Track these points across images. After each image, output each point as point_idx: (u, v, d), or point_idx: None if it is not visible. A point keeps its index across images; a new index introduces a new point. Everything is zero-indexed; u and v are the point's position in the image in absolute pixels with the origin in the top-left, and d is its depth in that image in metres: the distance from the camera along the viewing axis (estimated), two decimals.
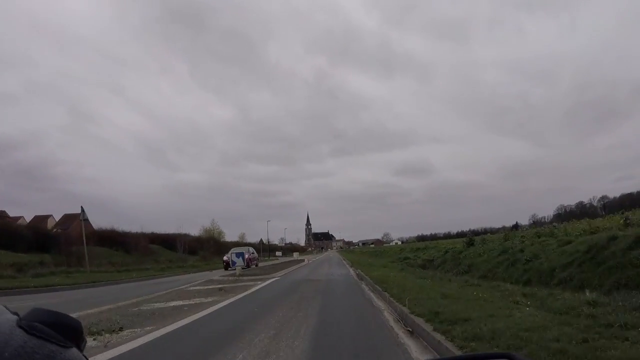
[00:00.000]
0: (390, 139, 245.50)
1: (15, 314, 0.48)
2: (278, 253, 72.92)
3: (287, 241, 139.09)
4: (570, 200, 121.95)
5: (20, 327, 0.45)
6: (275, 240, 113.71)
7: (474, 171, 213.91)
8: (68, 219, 44.33)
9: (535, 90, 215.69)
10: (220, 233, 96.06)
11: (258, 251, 75.64)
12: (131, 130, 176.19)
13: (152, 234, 46.10)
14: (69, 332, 0.49)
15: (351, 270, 21.21)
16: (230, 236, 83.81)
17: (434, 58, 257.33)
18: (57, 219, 48.16)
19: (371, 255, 46.82)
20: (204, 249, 49.65)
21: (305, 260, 39.74)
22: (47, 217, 47.81)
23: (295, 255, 51.76)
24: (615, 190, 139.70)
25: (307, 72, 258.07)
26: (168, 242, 44.48)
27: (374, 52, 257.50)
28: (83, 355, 0.50)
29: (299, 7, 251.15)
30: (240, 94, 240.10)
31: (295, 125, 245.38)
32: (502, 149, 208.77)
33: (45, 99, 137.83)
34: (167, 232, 48.09)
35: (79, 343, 0.50)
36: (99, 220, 43.31)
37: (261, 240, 63.78)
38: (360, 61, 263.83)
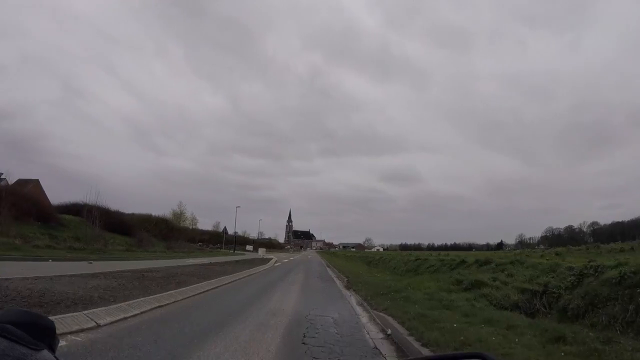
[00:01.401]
0: (379, 143, 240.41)
1: None
2: (248, 247, 63.31)
3: (266, 236, 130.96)
4: (559, 223, 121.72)
5: None
6: (254, 234, 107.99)
7: (461, 184, 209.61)
8: (21, 184, 40.81)
9: (530, 106, 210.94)
10: (192, 219, 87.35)
11: (217, 241, 67.64)
12: (121, 110, 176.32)
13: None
14: (42, 332, 0.49)
15: (363, 314, 8.85)
16: (205, 224, 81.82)
17: (432, 65, 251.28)
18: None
19: (364, 263, 37.59)
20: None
21: (271, 261, 28.52)
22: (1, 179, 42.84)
23: (261, 252, 41.67)
24: (602, 217, 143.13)
25: (302, 68, 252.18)
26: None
27: (372, 54, 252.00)
28: (54, 356, 0.49)
29: (301, 0, 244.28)
30: (233, 84, 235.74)
31: (285, 121, 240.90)
32: (491, 163, 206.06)
33: (37, 72, 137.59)
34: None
35: (52, 343, 0.50)
36: (77, 197, 36.32)
37: (224, 229, 54.00)
38: (357, 62, 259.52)
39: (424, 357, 1.55)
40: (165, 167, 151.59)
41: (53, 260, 15.74)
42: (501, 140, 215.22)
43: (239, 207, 55.17)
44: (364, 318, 8.12)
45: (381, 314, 8.27)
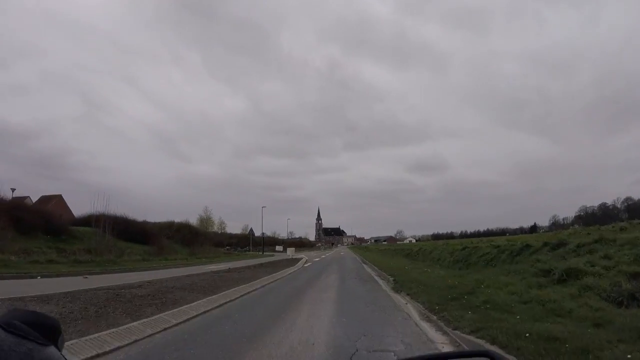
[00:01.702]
0: (403, 132, 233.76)
1: None
2: (278, 247, 60.76)
3: (296, 235, 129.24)
4: (591, 201, 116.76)
5: None
6: (283, 234, 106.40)
7: (489, 168, 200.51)
8: (44, 200, 42.70)
9: (553, 83, 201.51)
10: (220, 223, 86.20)
11: (246, 244, 65.70)
12: (143, 121, 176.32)
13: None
14: (48, 331, 0.50)
15: (441, 338, 5.50)
16: (234, 228, 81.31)
17: (450, 48, 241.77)
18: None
19: (402, 256, 34.03)
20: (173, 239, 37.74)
21: (301, 262, 25.67)
22: (24, 197, 42.98)
23: (289, 252, 38.57)
24: (634, 192, 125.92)
25: (319, 62, 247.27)
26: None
27: (389, 42, 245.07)
28: (61, 354, 0.50)
29: None
30: (251, 84, 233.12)
31: (307, 117, 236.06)
32: (517, 145, 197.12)
33: (59, 90, 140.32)
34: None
35: (58, 343, 0.51)
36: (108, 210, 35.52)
37: (251, 230, 51.66)
38: (374, 51, 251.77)
39: (432, 354, 1.11)
40: (191, 174, 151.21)
41: (42, 277, 13.41)
42: (526, 120, 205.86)
43: (264, 207, 52.74)
44: (448, 348, 4.87)
45: (473, 338, 5.00)
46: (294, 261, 24.40)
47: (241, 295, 8.78)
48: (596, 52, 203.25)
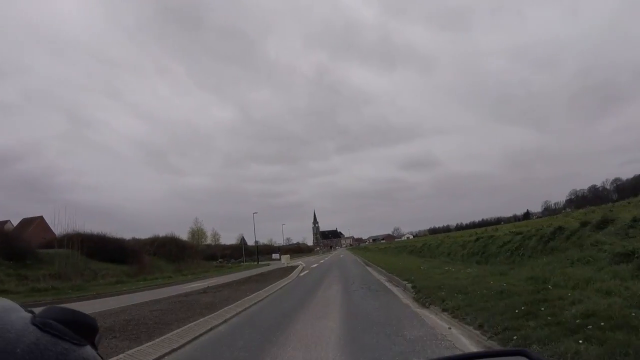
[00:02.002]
0: (394, 133, 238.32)
1: (30, 311, 0.48)
2: (275, 255, 57.46)
3: (294, 241, 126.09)
4: (582, 185, 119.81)
5: (34, 324, 0.44)
6: (280, 241, 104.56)
7: (480, 161, 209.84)
8: (25, 223, 42.20)
9: (539, 76, 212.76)
10: (213, 235, 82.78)
11: (241, 255, 62.61)
12: (131, 135, 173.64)
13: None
14: (85, 330, 0.48)
15: None
16: (229, 239, 77.25)
17: (436, 49, 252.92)
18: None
19: (407, 253, 31.11)
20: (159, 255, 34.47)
21: (296, 270, 21.51)
22: (4, 222, 41.95)
23: (284, 259, 35.03)
24: (624, 173, 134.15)
25: (307, 68, 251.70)
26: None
27: (375, 45, 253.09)
28: (97, 353, 0.49)
29: (297, 0, 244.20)
30: (240, 93, 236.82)
31: (297, 123, 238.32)
32: (507, 137, 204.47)
33: (42, 107, 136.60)
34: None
35: (95, 341, 0.50)
36: (100, 229, 32.66)
37: (242, 239, 48.38)
38: (362, 55, 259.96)
39: (465, 354, 1.24)
40: (183, 186, 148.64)
41: None
42: (514, 113, 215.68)
43: (255, 213, 49.39)
44: None
45: None
46: (289, 270, 21.28)
47: (192, 339, 5.69)
48: (577, 43, 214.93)
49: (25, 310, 0.47)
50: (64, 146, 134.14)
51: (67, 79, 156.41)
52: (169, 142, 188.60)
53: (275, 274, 19.15)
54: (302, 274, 19.11)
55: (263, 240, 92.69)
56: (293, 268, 23.26)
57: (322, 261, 35.07)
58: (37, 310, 0.48)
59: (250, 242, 73.69)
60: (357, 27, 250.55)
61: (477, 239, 20.12)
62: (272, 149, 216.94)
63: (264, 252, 67.72)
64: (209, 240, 79.38)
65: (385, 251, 41.51)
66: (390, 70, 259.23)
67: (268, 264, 39.75)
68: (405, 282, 10.54)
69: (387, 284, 12.19)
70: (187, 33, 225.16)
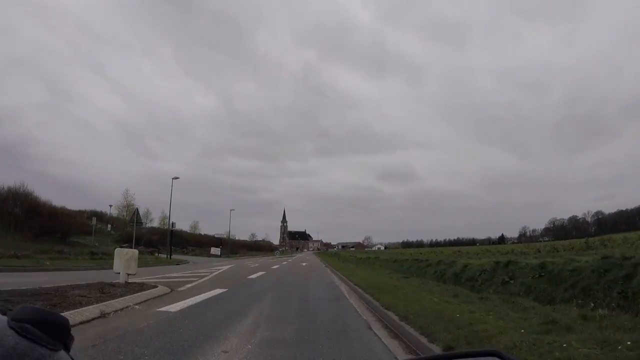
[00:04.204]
0: (375, 141, 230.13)
1: (3, 312, 0.46)
2: (215, 250, 43.53)
3: (259, 238, 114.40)
4: (558, 215, 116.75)
5: (11, 328, 0.43)
6: (245, 237, 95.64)
7: (458, 180, 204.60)
8: None
9: (525, 100, 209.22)
10: (163, 218, 69.26)
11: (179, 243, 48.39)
12: (111, 113, 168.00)
13: None
14: (57, 330, 0.47)
15: None
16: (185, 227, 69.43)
17: (427, 60, 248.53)
18: None
19: (396, 270, 17.74)
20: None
21: (195, 284, 11.42)
22: None
23: (214, 251, 21.99)
24: (597, 208, 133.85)
25: (295, 65, 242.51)
26: None
27: (366, 50, 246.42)
28: (69, 356, 0.48)
29: None
30: (224, 83, 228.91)
31: (279, 121, 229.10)
32: (488, 159, 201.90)
33: (24, 74, 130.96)
34: None
35: (67, 342, 0.49)
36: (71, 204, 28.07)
37: (172, 224, 34.48)
38: (351, 58, 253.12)
39: (438, 354, 1.31)
40: (158, 171, 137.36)
41: None
42: (497, 135, 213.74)
43: (233, 210, 35.41)
44: None
45: None
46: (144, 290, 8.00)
47: None
48: (569, 72, 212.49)
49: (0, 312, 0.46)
50: (43, 116, 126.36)
51: (52, 48, 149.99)
52: (148, 125, 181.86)
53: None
54: (185, 305, 6.00)
55: (234, 234, 78.25)
56: (196, 278, 9.81)
57: (274, 267, 21.63)
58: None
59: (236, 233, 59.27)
60: (350, 30, 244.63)
61: (506, 264, 8.76)
62: (251, 143, 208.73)
63: (207, 244, 53.43)
64: (156, 224, 64.82)
65: (365, 263, 28.33)
66: (379, 77, 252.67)
67: (186, 262, 26.03)
68: None
69: None
70: (177, 14, 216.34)
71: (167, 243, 48.06)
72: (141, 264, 22.39)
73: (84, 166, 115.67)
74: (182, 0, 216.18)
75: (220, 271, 16.92)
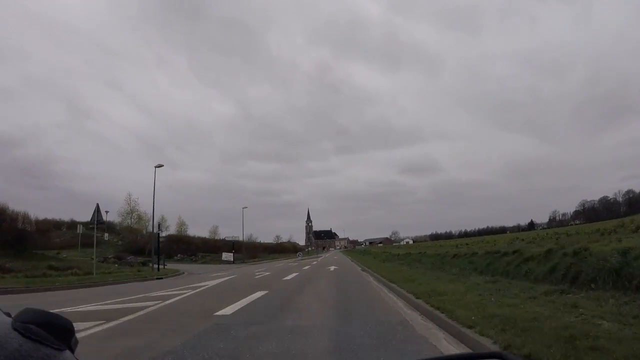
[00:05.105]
0: (394, 135, 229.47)
1: (8, 314, 0.47)
2: (226, 255, 37.33)
3: (284, 239, 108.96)
4: (589, 197, 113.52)
5: (15, 329, 0.43)
6: (269, 239, 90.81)
7: (481, 169, 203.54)
8: None
9: (545, 83, 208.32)
10: (180, 224, 65.14)
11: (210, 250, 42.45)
12: (129, 126, 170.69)
13: None
14: (61, 332, 0.48)
15: None
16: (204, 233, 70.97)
17: (442, 49, 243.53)
18: None
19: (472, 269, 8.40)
20: None
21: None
22: None
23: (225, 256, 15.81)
24: (629, 186, 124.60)
25: (309, 65, 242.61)
26: None
27: (380, 43, 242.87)
28: (74, 357, 0.49)
29: None
30: (239, 88, 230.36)
31: (296, 122, 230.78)
32: (509, 146, 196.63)
33: (42, 94, 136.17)
34: None
35: (71, 343, 0.49)
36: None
37: (159, 227, 28.37)
38: (365, 53, 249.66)
39: (443, 356, 1.32)
40: (179, 181, 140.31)
41: None
42: (518, 121, 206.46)
43: (245, 207, 29.50)
44: None
45: None
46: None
47: None
48: (588, 51, 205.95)
49: (4, 313, 0.46)
50: (63, 134, 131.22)
51: (67, 67, 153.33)
52: (167, 136, 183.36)
53: None
54: None
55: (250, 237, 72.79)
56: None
57: (289, 277, 14.61)
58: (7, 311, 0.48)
59: (241, 237, 53.38)
60: (362, 24, 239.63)
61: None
62: (270, 147, 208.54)
63: (224, 249, 47.16)
64: (172, 231, 59.70)
65: (415, 261, 21.14)
66: (394, 70, 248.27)
67: (161, 277, 19.62)
68: None
69: None
70: (188, 24, 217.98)
71: (174, 250, 42.22)
72: (108, 279, 16.48)
73: (105, 180, 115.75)
74: (192, 9, 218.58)
75: (173, 300, 10.05)
